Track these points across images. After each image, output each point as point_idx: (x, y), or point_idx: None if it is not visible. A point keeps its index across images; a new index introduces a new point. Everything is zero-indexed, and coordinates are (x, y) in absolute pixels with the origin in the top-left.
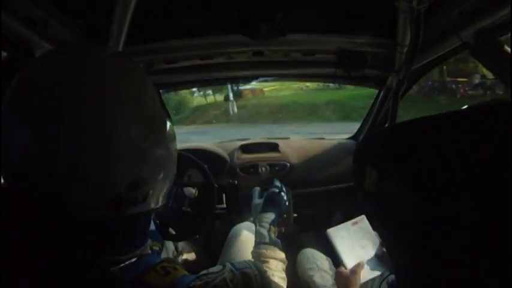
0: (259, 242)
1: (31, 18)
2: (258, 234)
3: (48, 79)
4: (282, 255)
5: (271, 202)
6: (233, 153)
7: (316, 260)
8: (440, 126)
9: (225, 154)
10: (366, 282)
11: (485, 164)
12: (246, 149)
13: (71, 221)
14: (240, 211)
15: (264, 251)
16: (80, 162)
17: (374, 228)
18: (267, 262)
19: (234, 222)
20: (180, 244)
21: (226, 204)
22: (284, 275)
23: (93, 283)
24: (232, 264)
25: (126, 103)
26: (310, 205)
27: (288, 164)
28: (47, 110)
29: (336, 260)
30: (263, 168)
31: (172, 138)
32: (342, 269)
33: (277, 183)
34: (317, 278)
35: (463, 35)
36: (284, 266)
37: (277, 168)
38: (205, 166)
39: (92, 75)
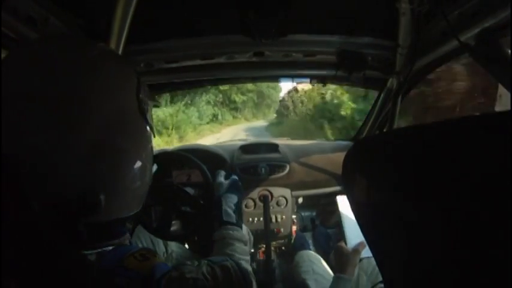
0: (226, 222)
1: (31, 17)
2: (224, 213)
3: (21, 71)
4: (245, 237)
5: (235, 186)
6: (233, 153)
7: (312, 263)
8: (431, 134)
9: (225, 154)
10: (363, 261)
11: (479, 173)
12: (245, 149)
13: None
14: (239, 212)
15: (231, 232)
16: (33, 161)
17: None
18: (233, 245)
19: None
20: (170, 246)
21: (216, 204)
22: (248, 257)
23: (69, 267)
24: (208, 260)
25: (82, 111)
26: (309, 206)
27: (288, 165)
28: (13, 102)
29: (339, 233)
30: (263, 169)
31: (142, 144)
32: (343, 244)
33: (235, 177)
34: (311, 281)
35: (464, 37)
36: (247, 248)
37: (276, 169)
38: (205, 166)
39: (59, 71)
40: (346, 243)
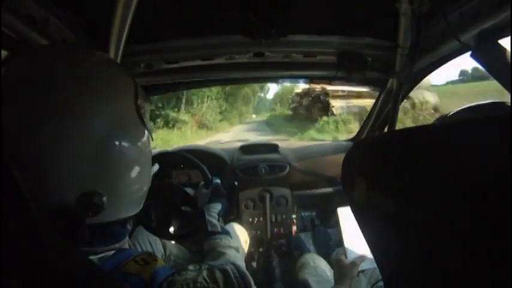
0: (212, 232)
1: (32, 16)
2: (209, 223)
3: (22, 76)
4: (236, 243)
5: (217, 193)
6: (233, 154)
7: (316, 266)
8: (431, 135)
9: (225, 155)
10: (363, 272)
11: (479, 173)
12: (245, 150)
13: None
14: (239, 212)
15: (219, 241)
16: (32, 162)
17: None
18: (224, 254)
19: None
20: (169, 247)
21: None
22: (244, 263)
23: (72, 270)
24: (208, 264)
25: (84, 117)
26: (309, 206)
27: (288, 165)
28: (15, 107)
29: (339, 242)
30: (263, 169)
31: (141, 148)
32: (343, 257)
33: (218, 180)
34: (313, 282)
35: (464, 37)
36: (239, 254)
37: (276, 169)
38: (205, 167)
39: (60, 75)
40: (346, 256)
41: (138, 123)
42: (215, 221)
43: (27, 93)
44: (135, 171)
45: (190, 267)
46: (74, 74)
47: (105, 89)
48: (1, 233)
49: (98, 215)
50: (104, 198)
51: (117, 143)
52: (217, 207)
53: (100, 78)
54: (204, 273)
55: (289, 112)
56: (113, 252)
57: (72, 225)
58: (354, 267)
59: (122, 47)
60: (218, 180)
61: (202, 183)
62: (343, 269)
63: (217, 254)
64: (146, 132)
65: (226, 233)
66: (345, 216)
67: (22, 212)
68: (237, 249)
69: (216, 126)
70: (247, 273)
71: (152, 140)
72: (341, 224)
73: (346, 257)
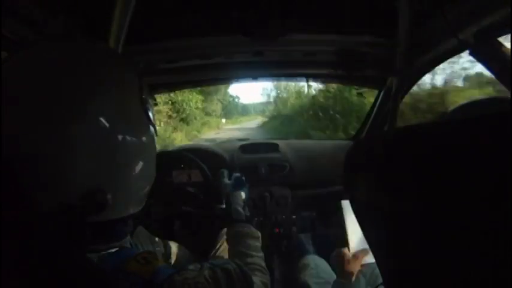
0: (236, 220)
1: (31, 18)
2: (234, 211)
3: (24, 71)
4: (257, 233)
5: (240, 183)
6: (233, 153)
7: (317, 267)
8: (432, 133)
9: (224, 154)
10: (365, 266)
11: (481, 173)
12: (245, 149)
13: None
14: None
15: (241, 229)
16: (33, 159)
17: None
18: (245, 242)
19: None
20: (169, 247)
21: (225, 204)
22: (262, 253)
23: (72, 269)
24: (210, 263)
25: (86, 111)
26: (309, 206)
27: (288, 165)
28: (18, 102)
29: (342, 236)
30: (263, 169)
31: (146, 143)
32: (345, 250)
33: (238, 174)
34: (314, 284)
35: (463, 35)
36: (259, 244)
37: (276, 168)
38: (205, 166)
39: (61, 73)
40: (348, 249)
41: (142, 118)
42: (241, 209)
43: (27, 90)
44: (138, 168)
45: (191, 266)
46: (76, 68)
47: (109, 83)
48: (0, 231)
49: (102, 213)
50: (108, 196)
51: (121, 138)
52: (242, 195)
53: (103, 72)
54: (206, 272)
55: None
56: (114, 250)
57: (73, 223)
58: (356, 260)
59: (121, 47)
60: (238, 174)
61: (221, 170)
62: (346, 261)
63: (238, 242)
64: (151, 128)
65: (250, 222)
66: (349, 209)
67: (21, 208)
68: (258, 239)
69: None
70: (249, 273)
71: (157, 135)
72: (344, 217)
73: (348, 250)
